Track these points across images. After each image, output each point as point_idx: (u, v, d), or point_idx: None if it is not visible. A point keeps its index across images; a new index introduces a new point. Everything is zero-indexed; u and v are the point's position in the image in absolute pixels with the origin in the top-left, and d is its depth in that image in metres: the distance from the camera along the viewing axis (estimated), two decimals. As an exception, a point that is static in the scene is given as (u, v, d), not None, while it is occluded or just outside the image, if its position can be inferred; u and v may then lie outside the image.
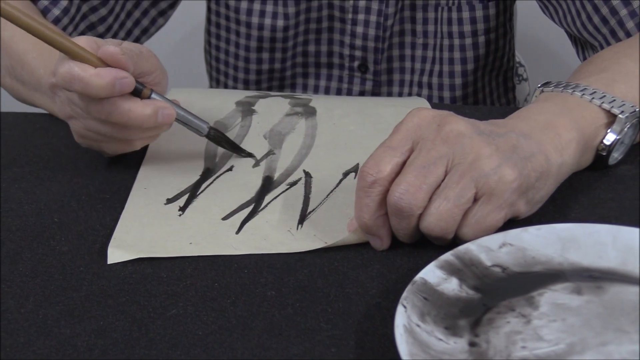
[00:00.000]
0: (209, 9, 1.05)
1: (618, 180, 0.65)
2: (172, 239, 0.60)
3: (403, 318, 0.47)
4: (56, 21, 0.90)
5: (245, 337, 0.50)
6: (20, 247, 0.61)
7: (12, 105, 0.92)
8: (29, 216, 0.65)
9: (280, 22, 0.98)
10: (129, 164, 0.73)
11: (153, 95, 0.67)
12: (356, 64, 1.01)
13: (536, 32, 1.61)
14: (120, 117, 0.65)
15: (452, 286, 0.51)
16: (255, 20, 0.99)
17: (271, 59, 1.02)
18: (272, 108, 0.82)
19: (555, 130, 0.60)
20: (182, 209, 0.64)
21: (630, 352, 0.44)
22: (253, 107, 0.82)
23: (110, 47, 0.64)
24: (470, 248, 0.53)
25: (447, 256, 0.53)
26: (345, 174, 0.69)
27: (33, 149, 0.78)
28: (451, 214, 0.54)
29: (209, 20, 1.06)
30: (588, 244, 0.54)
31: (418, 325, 0.47)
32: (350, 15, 0.98)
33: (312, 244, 0.59)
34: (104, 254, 0.59)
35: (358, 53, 1.00)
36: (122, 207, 0.65)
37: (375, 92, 1.02)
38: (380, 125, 0.77)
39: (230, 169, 0.70)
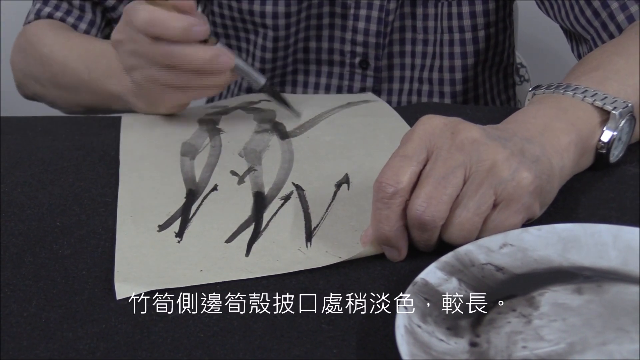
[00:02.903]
0: (212, 12, 1.06)
1: (619, 180, 0.65)
2: (180, 268, 0.58)
3: (404, 319, 0.47)
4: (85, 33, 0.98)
5: (246, 339, 0.50)
6: (22, 251, 0.61)
7: (12, 109, 0.92)
8: (31, 220, 0.65)
9: (281, 21, 0.99)
10: (130, 167, 0.73)
11: (217, 45, 0.75)
12: (357, 60, 1.02)
13: (538, 33, 1.62)
14: (182, 59, 0.74)
15: (452, 287, 0.51)
16: (257, 19, 1.00)
17: (274, 58, 1.03)
18: (238, 126, 0.82)
19: (553, 133, 0.60)
20: (179, 234, 0.62)
21: (631, 351, 0.45)
22: (218, 126, 0.82)
23: None
24: (471, 249, 0.54)
25: (448, 257, 0.53)
26: (338, 185, 0.68)
27: (35, 152, 0.78)
28: (473, 222, 0.54)
29: (213, 23, 1.06)
30: (589, 244, 0.54)
31: (419, 326, 0.47)
32: (352, 11, 0.98)
33: (327, 260, 0.57)
34: (106, 258, 0.59)
35: (359, 49, 1.01)
36: (124, 210, 0.65)
37: (376, 89, 1.03)
38: (355, 135, 0.77)
39: (215, 188, 0.69)
